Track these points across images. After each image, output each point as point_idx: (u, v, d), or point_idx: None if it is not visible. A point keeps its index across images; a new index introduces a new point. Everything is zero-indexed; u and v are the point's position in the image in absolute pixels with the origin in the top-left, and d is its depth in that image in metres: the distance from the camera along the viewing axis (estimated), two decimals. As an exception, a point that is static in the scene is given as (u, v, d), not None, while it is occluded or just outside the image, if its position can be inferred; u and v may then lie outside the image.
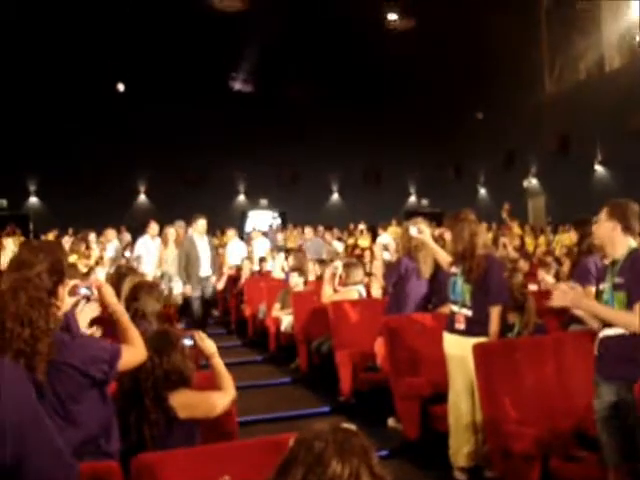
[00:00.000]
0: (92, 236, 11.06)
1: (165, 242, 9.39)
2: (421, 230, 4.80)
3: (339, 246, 12.66)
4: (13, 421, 1.44)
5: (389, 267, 5.95)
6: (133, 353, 2.51)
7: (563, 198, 16.75)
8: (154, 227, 9.92)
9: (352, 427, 1.44)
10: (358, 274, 6.73)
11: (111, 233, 11.65)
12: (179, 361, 2.76)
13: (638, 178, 13.26)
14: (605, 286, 3.20)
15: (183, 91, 19.27)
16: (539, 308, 4.57)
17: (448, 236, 4.43)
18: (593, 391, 3.20)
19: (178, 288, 8.98)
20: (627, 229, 3.18)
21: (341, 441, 1.33)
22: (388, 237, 11.97)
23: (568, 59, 17.73)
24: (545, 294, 6.34)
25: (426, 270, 5.32)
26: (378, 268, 5.85)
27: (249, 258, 11.21)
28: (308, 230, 12.55)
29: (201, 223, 8.39)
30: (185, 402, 2.70)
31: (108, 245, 11.09)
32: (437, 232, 6.72)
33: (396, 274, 5.40)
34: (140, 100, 19.40)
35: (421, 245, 5.18)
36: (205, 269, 8.36)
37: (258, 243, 12.29)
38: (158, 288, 4.31)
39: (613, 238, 3.20)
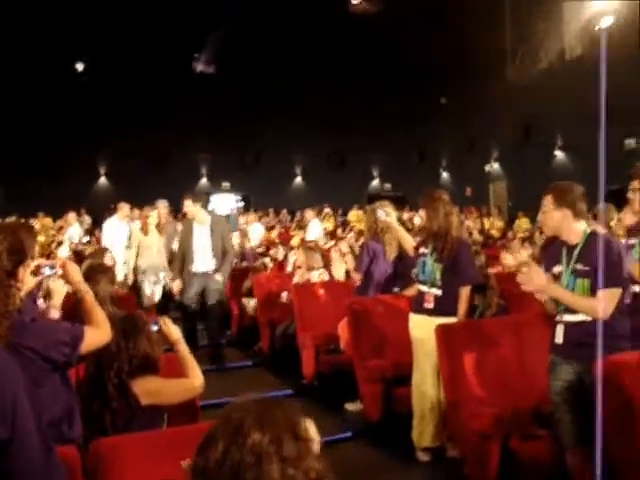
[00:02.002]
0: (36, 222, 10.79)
1: (145, 228, 7.69)
2: (388, 213, 4.85)
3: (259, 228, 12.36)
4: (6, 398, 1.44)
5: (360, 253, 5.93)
6: (97, 334, 2.45)
7: (524, 183, 16.96)
8: (124, 207, 8.96)
9: (279, 399, 1.41)
10: (317, 259, 6.75)
11: (72, 216, 11.41)
12: (145, 347, 2.70)
13: (596, 163, 13.46)
14: (561, 270, 3.18)
15: (145, 72, 18.89)
16: (501, 289, 4.61)
17: (417, 220, 4.44)
18: (548, 372, 3.23)
19: (158, 288, 7.67)
20: (577, 213, 3.14)
21: (262, 411, 1.31)
22: (318, 224, 11.65)
23: (530, 47, 17.87)
24: (507, 276, 6.46)
25: (391, 252, 5.36)
26: (349, 253, 5.89)
27: None
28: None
29: (186, 204, 6.73)
30: (149, 389, 2.64)
31: (69, 228, 10.86)
32: (407, 216, 6.69)
33: (367, 258, 5.41)
34: (101, 81, 18.97)
35: (387, 227, 5.20)
36: (202, 263, 6.61)
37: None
38: (112, 270, 4.21)
39: (567, 226, 3.15)
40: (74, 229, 10.71)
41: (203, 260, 6.59)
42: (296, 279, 6.72)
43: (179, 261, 6.73)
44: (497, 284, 4.51)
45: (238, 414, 1.31)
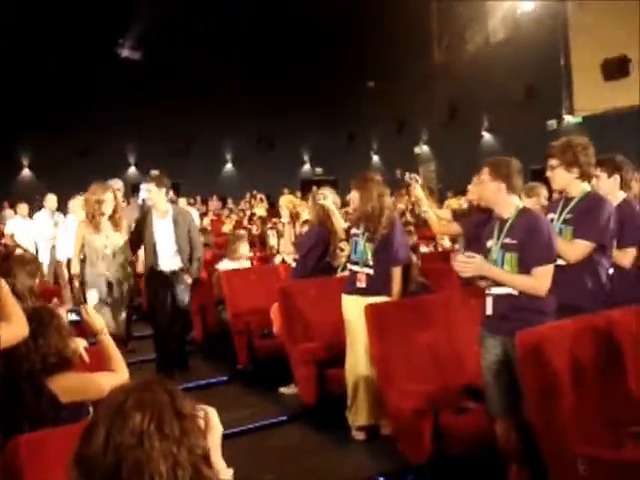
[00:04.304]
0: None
1: (96, 220, 5.38)
2: (326, 196, 4.92)
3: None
4: None
5: (302, 236, 5.91)
6: (9, 331, 2.29)
7: (453, 164, 17.29)
8: (51, 199, 8.52)
9: (163, 381, 1.40)
10: (244, 247, 6.72)
11: (11, 208, 10.88)
12: (56, 341, 2.52)
13: (521, 143, 13.88)
14: (492, 244, 3.25)
15: (69, 56, 18.22)
16: (429, 268, 4.70)
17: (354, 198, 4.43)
18: (479, 345, 3.31)
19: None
20: (511, 188, 3.22)
21: (142, 392, 1.29)
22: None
23: (455, 30, 18.16)
24: (438, 255, 6.61)
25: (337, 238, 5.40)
26: (287, 237, 5.81)
27: None
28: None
29: (148, 189, 5.91)
30: (68, 386, 2.49)
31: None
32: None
33: (311, 243, 5.39)
34: (20, 66, 18.18)
35: (332, 213, 5.22)
36: (167, 261, 5.72)
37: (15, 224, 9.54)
38: (33, 263, 4.00)
39: (500, 199, 3.23)
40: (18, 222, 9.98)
41: (167, 258, 5.72)
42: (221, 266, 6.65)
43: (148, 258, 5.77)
44: (420, 262, 4.59)
45: (118, 398, 1.28)
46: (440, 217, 5.07)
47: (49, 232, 8.69)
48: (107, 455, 1.21)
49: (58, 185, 12.91)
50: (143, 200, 5.54)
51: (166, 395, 1.30)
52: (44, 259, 8.32)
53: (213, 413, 1.45)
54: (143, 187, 5.61)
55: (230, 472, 1.51)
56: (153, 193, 5.71)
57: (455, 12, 17.63)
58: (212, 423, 1.42)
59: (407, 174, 4.77)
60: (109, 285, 5.36)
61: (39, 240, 8.88)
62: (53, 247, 8.32)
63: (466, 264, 3.13)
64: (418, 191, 4.67)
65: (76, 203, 7.18)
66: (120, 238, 5.49)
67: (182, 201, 11.33)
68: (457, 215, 5.03)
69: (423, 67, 18.50)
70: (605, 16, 12.88)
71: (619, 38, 12.72)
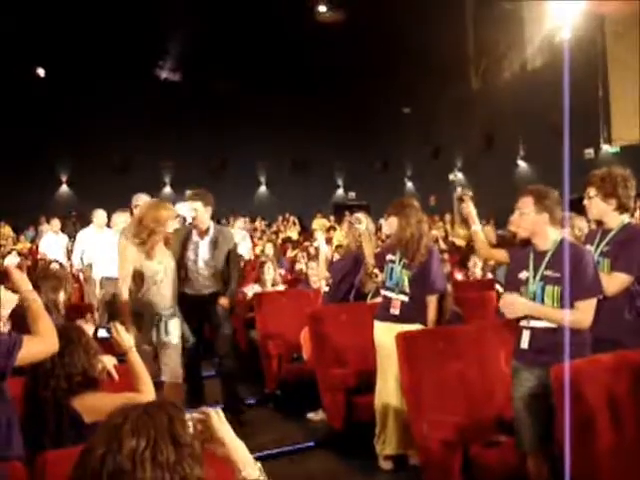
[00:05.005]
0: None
1: (151, 244, 4.37)
2: (360, 220, 4.89)
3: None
4: None
5: (338, 261, 5.88)
6: (37, 344, 2.29)
7: (487, 191, 17.16)
8: (100, 215, 7.70)
9: (172, 401, 1.39)
10: (270, 273, 6.76)
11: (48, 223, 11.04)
12: (83, 361, 2.51)
13: (557, 172, 13.74)
14: (529, 276, 3.18)
15: (108, 77, 18.64)
16: (461, 297, 4.63)
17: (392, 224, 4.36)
18: (511, 377, 3.24)
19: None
20: (553, 219, 3.16)
21: (140, 416, 1.28)
22: (246, 237, 10.71)
23: (493, 58, 18.15)
24: (471, 284, 6.52)
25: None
26: (323, 261, 5.78)
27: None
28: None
29: (193, 208, 5.04)
30: (92, 406, 2.45)
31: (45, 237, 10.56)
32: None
33: (348, 268, 5.38)
34: (62, 86, 18.67)
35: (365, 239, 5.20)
36: (203, 283, 5.12)
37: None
38: (55, 277, 3.99)
39: (541, 230, 3.16)
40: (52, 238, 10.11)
41: (204, 280, 5.13)
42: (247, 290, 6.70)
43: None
44: (455, 291, 4.53)
45: (116, 420, 1.28)
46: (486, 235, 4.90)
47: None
48: (102, 479, 1.21)
49: (95, 202, 13.12)
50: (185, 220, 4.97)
51: (166, 419, 1.29)
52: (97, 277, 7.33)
53: (214, 413, 1.47)
54: (184, 206, 4.83)
55: (258, 465, 1.51)
56: (200, 213, 5.01)
57: (493, 39, 17.63)
58: (214, 425, 1.44)
59: (459, 188, 4.59)
60: (159, 321, 4.47)
61: (86, 258, 7.83)
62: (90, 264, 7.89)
63: (512, 305, 3.11)
64: (471, 207, 4.43)
65: (121, 218, 6.73)
66: (172, 262, 4.61)
67: (240, 222, 10.85)
68: (501, 240, 4.91)
69: (460, 93, 18.49)
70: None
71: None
